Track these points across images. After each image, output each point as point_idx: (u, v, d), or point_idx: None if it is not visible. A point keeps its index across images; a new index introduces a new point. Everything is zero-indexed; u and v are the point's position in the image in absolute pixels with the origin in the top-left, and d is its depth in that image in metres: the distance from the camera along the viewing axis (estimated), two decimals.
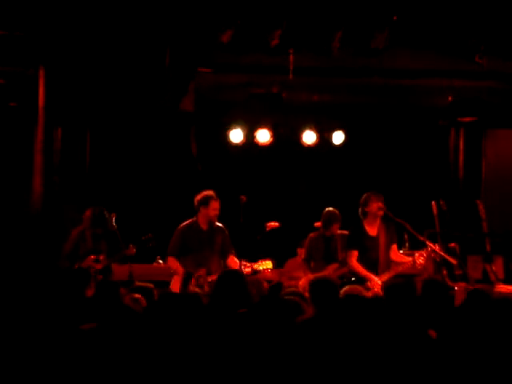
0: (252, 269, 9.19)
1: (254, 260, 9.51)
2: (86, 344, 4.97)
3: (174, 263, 9.15)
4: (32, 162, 9.70)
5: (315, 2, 9.19)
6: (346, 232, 10.20)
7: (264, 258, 9.34)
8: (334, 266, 10.04)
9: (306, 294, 9.48)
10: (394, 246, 9.20)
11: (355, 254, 9.06)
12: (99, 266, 9.46)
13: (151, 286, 7.46)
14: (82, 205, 11.78)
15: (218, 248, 9.18)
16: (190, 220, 9.25)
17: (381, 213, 8.98)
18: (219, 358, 4.75)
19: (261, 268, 9.30)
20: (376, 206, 8.97)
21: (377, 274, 8.90)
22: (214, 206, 9.10)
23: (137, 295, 6.77)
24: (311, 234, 10.27)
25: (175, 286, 8.97)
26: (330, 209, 10.09)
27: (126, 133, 12.66)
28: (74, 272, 7.80)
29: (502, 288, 9.05)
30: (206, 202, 9.11)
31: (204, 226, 9.20)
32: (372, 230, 9.12)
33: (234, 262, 9.14)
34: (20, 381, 4.78)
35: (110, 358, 4.83)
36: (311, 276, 10.07)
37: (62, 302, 5.86)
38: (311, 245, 10.23)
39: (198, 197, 9.17)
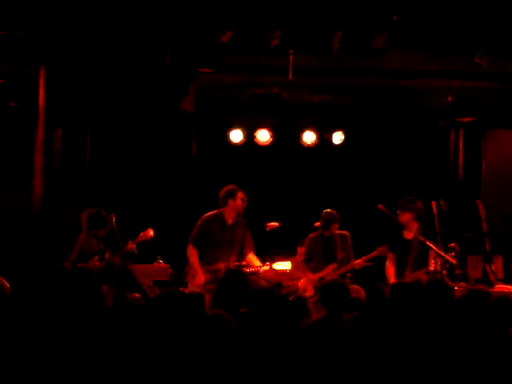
0: (271, 268, 9.37)
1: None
2: (83, 342, 4.97)
3: (192, 254, 9.27)
4: (32, 162, 9.69)
5: (315, 2, 9.20)
6: (345, 232, 10.28)
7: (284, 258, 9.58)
8: (333, 265, 10.11)
9: (307, 294, 9.60)
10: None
11: (391, 256, 9.40)
12: (102, 265, 9.57)
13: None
14: (82, 205, 11.80)
15: (238, 244, 9.30)
16: (216, 211, 9.33)
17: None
18: (219, 358, 4.75)
19: (280, 268, 9.47)
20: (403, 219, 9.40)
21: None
22: (241, 196, 9.29)
23: (136, 295, 6.78)
24: (311, 235, 10.35)
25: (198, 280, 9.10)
26: (329, 210, 10.20)
27: (126, 133, 12.66)
28: (74, 271, 7.84)
29: (502, 288, 9.06)
30: (232, 193, 9.30)
31: (229, 220, 9.34)
32: (408, 234, 9.42)
33: (252, 259, 9.22)
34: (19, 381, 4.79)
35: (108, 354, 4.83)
36: (311, 276, 10.14)
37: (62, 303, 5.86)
38: (311, 245, 10.30)
39: (222, 192, 9.34)
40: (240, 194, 9.28)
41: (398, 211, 9.56)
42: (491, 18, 8.98)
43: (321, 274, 10.09)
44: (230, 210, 9.28)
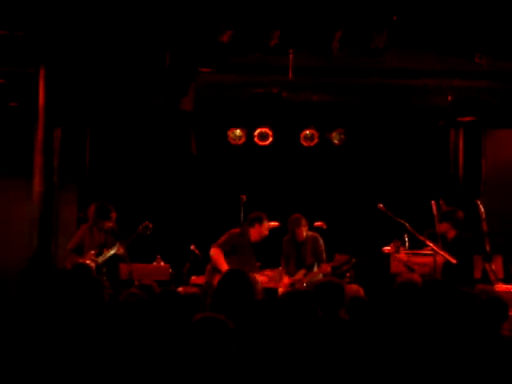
0: None
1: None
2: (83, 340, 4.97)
3: None
4: (32, 162, 9.69)
5: (315, 1, 9.19)
6: (315, 234, 10.29)
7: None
8: (302, 271, 10.15)
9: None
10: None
11: None
12: (101, 260, 9.65)
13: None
14: (82, 205, 11.81)
15: None
16: None
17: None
18: (218, 359, 4.74)
19: None
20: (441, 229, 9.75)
21: None
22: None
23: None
24: (285, 237, 10.41)
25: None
26: (295, 215, 10.29)
27: (126, 133, 12.67)
28: (75, 268, 7.87)
29: (502, 287, 9.06)
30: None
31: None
32: None
33: None
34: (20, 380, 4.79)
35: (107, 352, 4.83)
36: (286, 280, 10.15)
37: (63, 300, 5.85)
38: (285, 248, 10.37)
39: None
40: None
41: (437, 223, 9.78)
42: (491, 18, 8.97)
43: (293, 279, 10.14)
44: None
